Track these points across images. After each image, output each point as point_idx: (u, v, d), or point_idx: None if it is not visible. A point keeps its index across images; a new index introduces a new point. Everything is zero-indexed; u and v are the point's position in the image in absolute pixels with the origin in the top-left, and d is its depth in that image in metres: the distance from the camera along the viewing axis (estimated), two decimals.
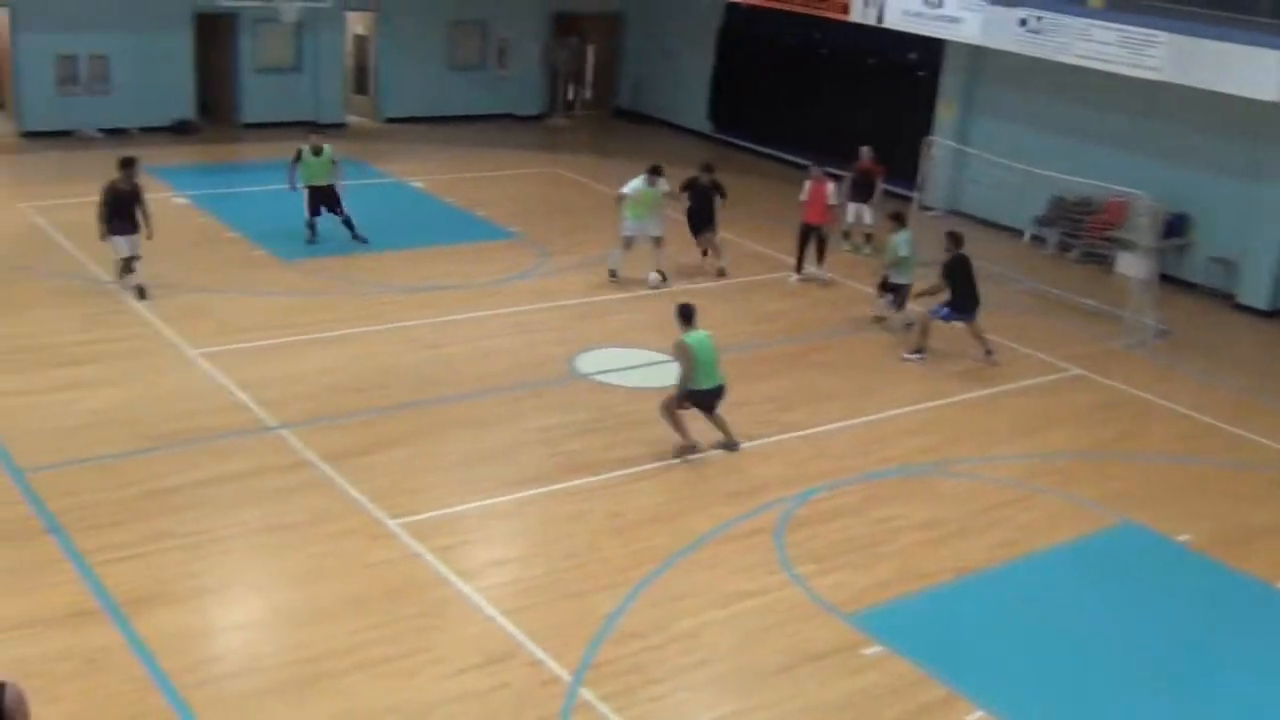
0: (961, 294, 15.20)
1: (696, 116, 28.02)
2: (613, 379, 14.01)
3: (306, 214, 17.82)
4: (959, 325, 15.41)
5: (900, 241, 15.83)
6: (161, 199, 19.99)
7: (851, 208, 19.59)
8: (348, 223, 17.98)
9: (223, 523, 10.46)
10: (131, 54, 24.00)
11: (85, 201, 18.99)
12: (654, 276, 17.30)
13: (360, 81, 27.86)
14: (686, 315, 12.25)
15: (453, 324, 15.34)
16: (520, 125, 27.98)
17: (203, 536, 10.22)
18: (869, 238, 19.56)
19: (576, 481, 11.62)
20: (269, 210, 19.59)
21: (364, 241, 17.90)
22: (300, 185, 17.80)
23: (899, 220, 16.06)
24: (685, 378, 12.04)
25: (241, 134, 25.36)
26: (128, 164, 15.11)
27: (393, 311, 15.50)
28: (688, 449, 12.16)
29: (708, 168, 18.43)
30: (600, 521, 10.96)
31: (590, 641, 9.19)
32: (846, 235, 19.78)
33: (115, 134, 23.87)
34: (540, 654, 9.00)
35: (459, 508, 11.04)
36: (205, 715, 8.10)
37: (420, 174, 22.60)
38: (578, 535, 10.71)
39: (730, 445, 12.44)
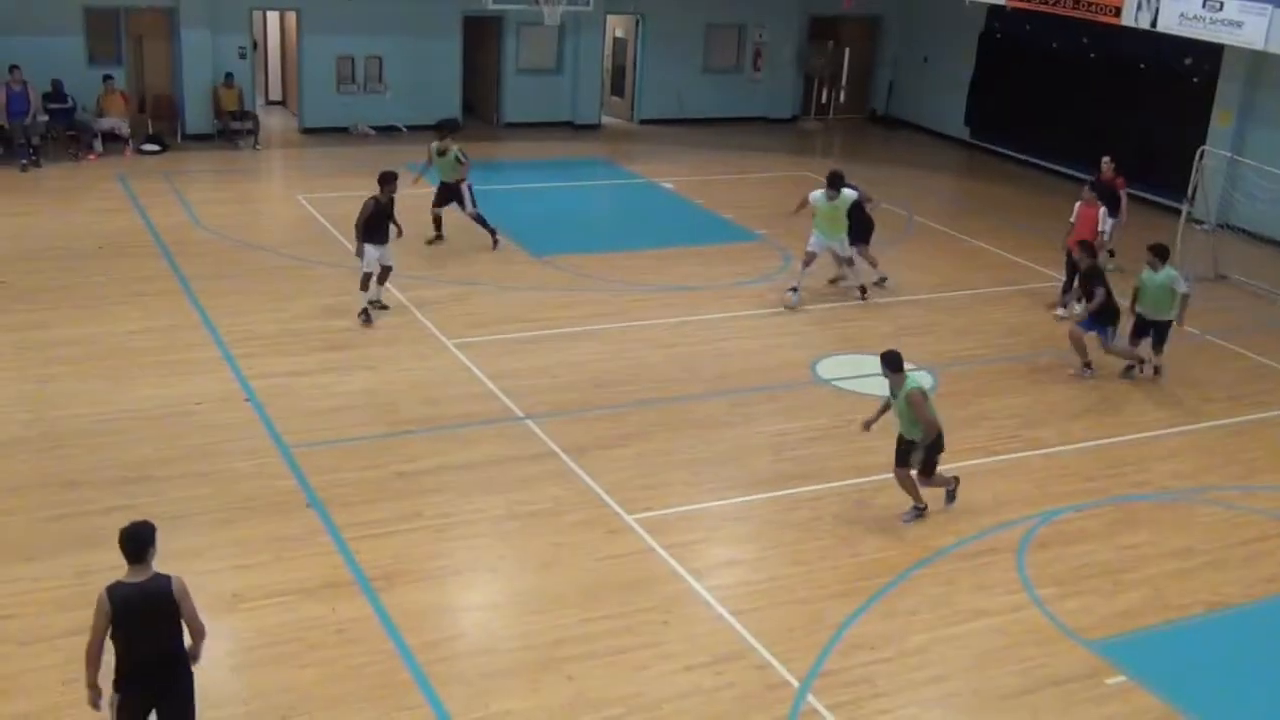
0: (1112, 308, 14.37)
1: (954, 122, 27.43)
2: (851, 386, 13.86)
3: (433, 208, 18.10)
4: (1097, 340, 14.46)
5: (1172, 278, 14.21)
6: (425, 195, 20.92)
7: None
8: (479, 220, 18.09)
9: (468, 507, 10.87)
10: (404, 55, 25.19)
11: (355, 195, 20.05)
12: (792, 296, 16.17)
13: (617, 83, 28.43)
14: (896, 363, 10.72)
15: (694, 324, 15.48)
16: (772, 128, 27.99)
17: (449, 519, 10.65)
18: (1112, 254, 18.67)
19: (811, 487, 11.55)
20: (525, 207, 20.25)
21: (493, 233, 17.93)
22: (416, 176, 18.10)
23: (1161, 254, 14.26)
24: (929, 429, 10.59)
25: (502, 133, 26.25)
26: (388, 179, 15.06)
27: (637, 309, 15.76)
28: (923, 508, 11.04)
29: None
30: (833, 529, 10.87)
31: (820, 649, 9.13)
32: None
33: (386, 131, 25.09)
34: (769, 657, 9.00)
35: (693, 506, 11.15)
36: (444, 690, 8.43)
37: (670, 175, 22.90)
38: (809, 541, 10.65)
39: (921, 508, 11.10)
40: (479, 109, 27.07)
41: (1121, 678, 8.99)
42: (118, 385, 12.77)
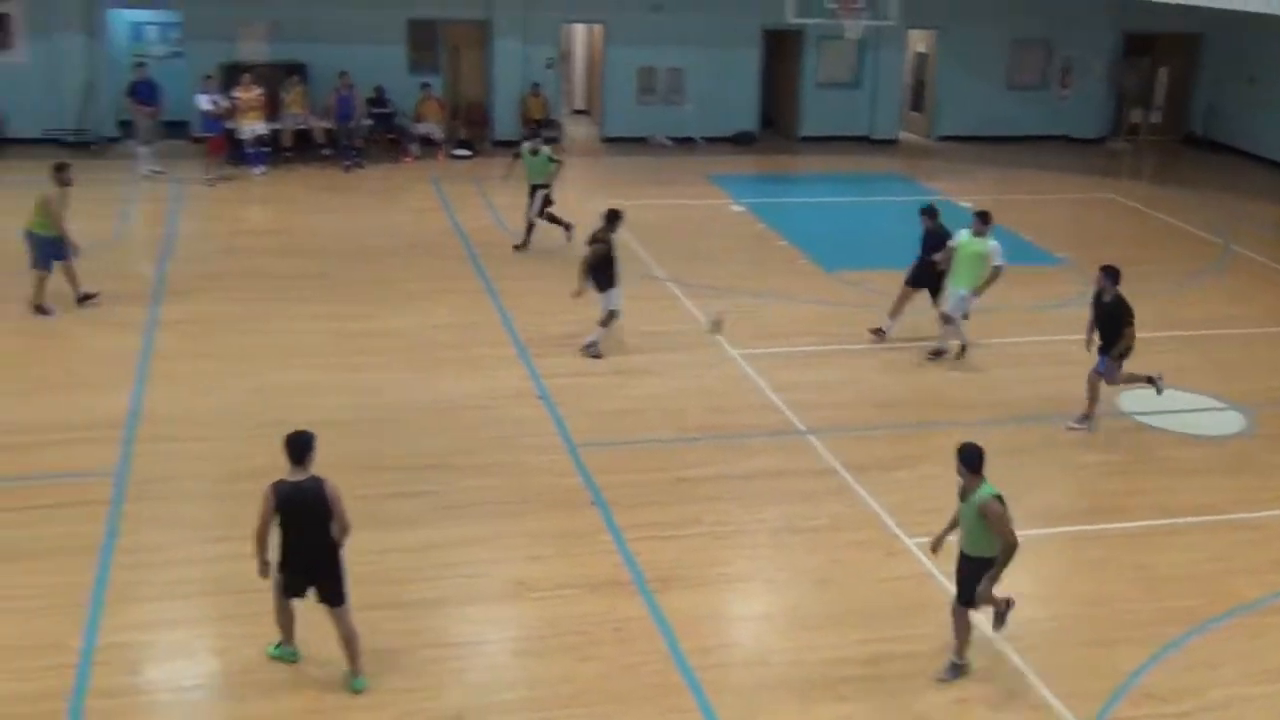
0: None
1: (1278, 147, 25.67)
2: (1156, 421, 13.15)
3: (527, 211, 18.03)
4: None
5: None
6: (719, 205, 21.19)
7: None
8: (551, 219, 18.01)
9: (747, 517, 10.91)
10: (704, 68, 25.58)
11: (650, 204, 20.51)
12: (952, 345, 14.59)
13: (916, 98, 27.98)
14: (975, 461, 8.59)
15: (986, 347, 15.03)
16: (1078, 148, 26.93)
17: (727, 527, 10.72)
18: None
19: (1106, 526, 11.02)
20: (819, 221, 20.20)
21: (567, 227, 17.89)
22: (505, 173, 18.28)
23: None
24: (1009, 547, 8.38)
25: (798, 147, 26.27)
26: (614, 217, 14.49)
27: (925, 328, 15.43)
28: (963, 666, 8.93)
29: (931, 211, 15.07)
30: (1128, 571, 10.32)
31: (1107, 696, 8.69)
32: None
33: (682, 142, 25.52)
34: (1050, 698, 8.63)
35: None
36: (716, 698, 8.47)
37: (968, 193, 22.30)
38: (1102, 582, 10.15)
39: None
40: (777, 122, 27.17)
41: None
42: (423, 377, 13.47)
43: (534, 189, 18.00)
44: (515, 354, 14.18)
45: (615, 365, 14.00)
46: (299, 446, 8.02)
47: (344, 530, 8.17)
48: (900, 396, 13.53)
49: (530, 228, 17.95)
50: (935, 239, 14.66)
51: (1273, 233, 21.02)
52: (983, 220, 14.33)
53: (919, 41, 27.52)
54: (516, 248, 17.99)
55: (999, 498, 8.41)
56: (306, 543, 8.10)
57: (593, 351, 14.17)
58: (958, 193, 22.36)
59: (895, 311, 14.83)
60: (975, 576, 8.53)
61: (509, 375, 13.61)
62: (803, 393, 13.44)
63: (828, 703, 8.51)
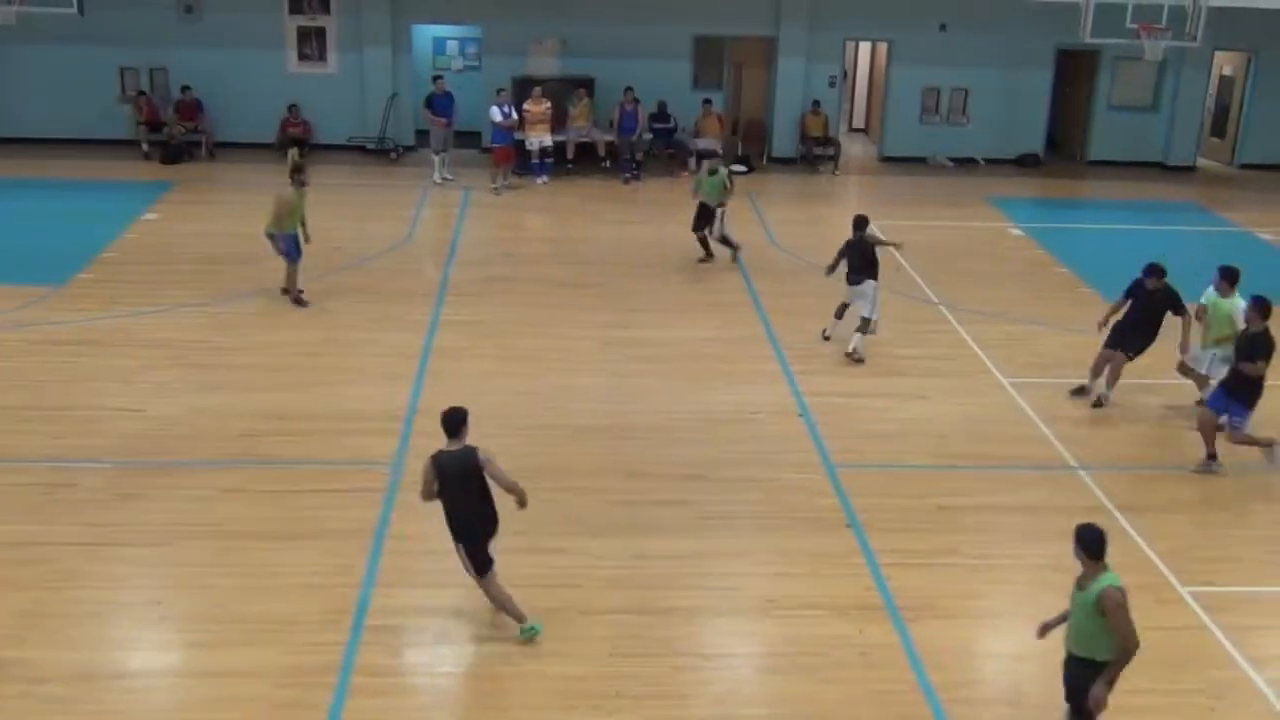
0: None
1: None
2: None
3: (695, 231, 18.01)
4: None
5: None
6: (997, 229, 20.63)
7: None
8: (708, 241, 17.95)
9: (1007, 551, 10.58)
10: (991, 87, 24.96)
11: (928, 225, 20.18)
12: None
13: (1218, 124, 26.47)
14: (1096, 545, 7.77)
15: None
16: None
17: (985, 560, 10.42)
18: None
19: None
20: (1104, 249, 19.38)
21: (734, 249, 17.92)
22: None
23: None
24: (1128, 645, 7.53)
25: (1085, 171, 25.28)
26: (861, 224, 14.92)
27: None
28: None
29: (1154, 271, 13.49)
30: None
31: None
32: None
33: (963, 163, 24.96)
34: None
35: (1263, 588, 10.16)
36: None
37: (1273, 225, 20.96)
38: None
39: None
40: (1063, 145, 26.24)
41: None
42: (688, 387, 13.66)
43: (703, 209, 17.95)
44: (779, 369, 14.20)
45: (880, 387, 13.83)
46: (455, 420, 8.80)
47: (512, 489, 8.77)
48: (1178, 435, 12.82)
49: (720, 241, 18.07)
50: (1167, 301, 13.33)
51: None
52: (1229, 281, 13.07)
53: (1225, 64, 26.02)
54: (701, 261, 18.13)
55: (1122, 589, 7.49)
56: (466, 508, 8.76)
57: (856, 357, 14.42)
58: (1257, 224, 21.05)
59: (1097, 373, 13.61)
60: (1085, 683, 7.60)
61: (772, 391, 13.64)
62: (1075, 425, 12.94)
63: None
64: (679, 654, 9.03)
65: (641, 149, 23.40)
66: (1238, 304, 12.75)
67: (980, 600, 9.91)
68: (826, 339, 15.01)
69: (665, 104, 23.80)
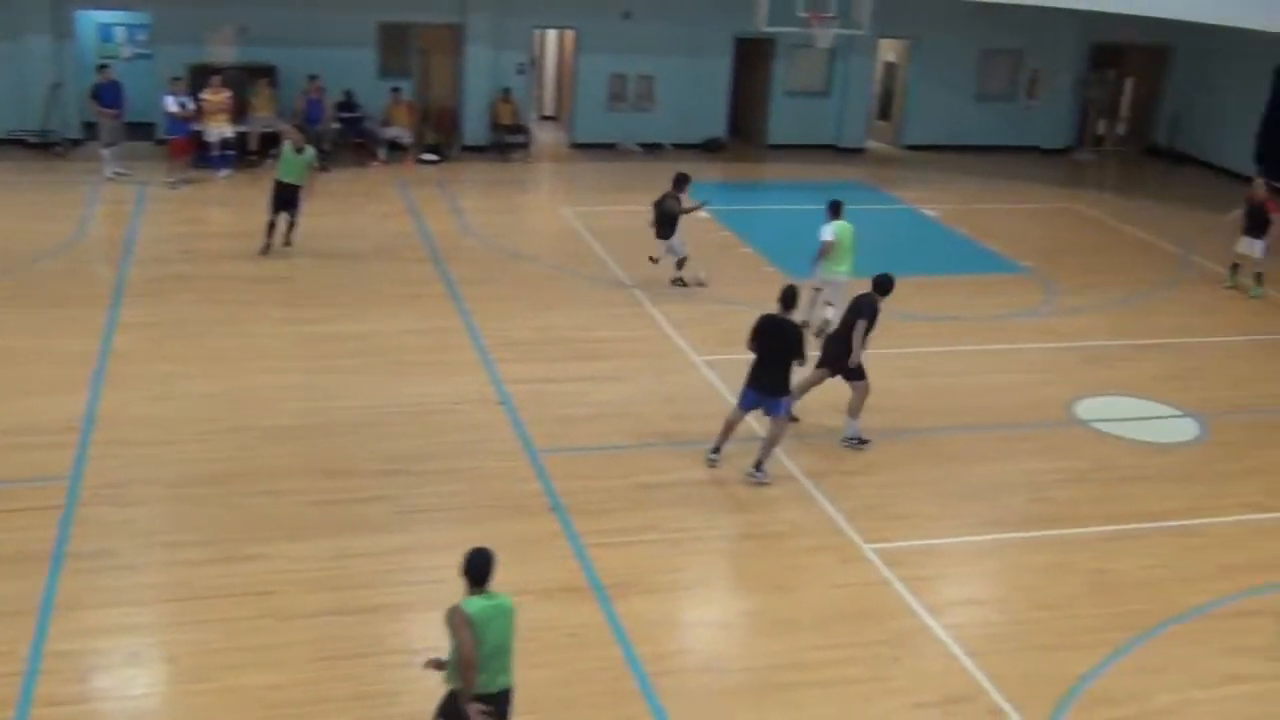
0: None
1: (1242, 158, 25.89)
2: (1113, 429, 13.27)
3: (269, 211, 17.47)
4: None
5: None
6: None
7: (1244, 241, 17.98)
8: (292, 228, 17.70)
9: (706, 524, 10.95)
10: (675, 75, 25.62)
11: (620, 209, 20.58)
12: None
13: (884, 107, 28.12)
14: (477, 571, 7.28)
15: (950, 355, 15.14)
16: (1043, 158, 27.10)
17: (686, 534, 10.74)
18: (1260, 277, 17.71)
19: (1059, 531, 11.12)
20: (785, 228, 20.26)
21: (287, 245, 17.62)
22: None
23: None
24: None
25: (765, 154, 26.34)
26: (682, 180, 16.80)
27: (891, 337, 15.45)
28: None
29: None
30: (1080, 577, 10.42)
31: (1058, 700, 8.77)
32: (1234, 269, 18.14)
33: (652, 149, 25.57)
34: (1002, 702, 8.71)
35: (934, 541, 10.90)
36: (670, 704, 8.50)
37: (934, 202, 22.47)
38: (1054, 587, 10.25)
39: None
40: (744, 129, 27.25)
41: None
42: (386, 381, 13.45)
43: (281, 186, 17.31)
44: (478, 359, 14.18)
45: (577, 371, 14.02)
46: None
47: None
48: (867, 404, 13.55)
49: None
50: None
51: (1232, 245, 21.19)
52: (834, 211, 15.22)
53: (888, 50, 27.65)
54: (262, 252, 17.46)
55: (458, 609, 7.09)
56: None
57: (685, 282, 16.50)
58: (921, 201, 22.51)
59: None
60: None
61: (471, 381, 13.61)
62: None
63: (783, 709, 8.55)
64: (387, 652, 8.91)
65: (329, 139, 22.82)
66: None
67: (682, 573, 10.22)
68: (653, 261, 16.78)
69: (352, 92, 23.30)
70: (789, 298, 11.71)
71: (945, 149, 26.83)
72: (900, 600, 9.93)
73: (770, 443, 11.69)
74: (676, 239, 16.96)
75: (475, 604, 7.06)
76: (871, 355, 14.75)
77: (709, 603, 10.02)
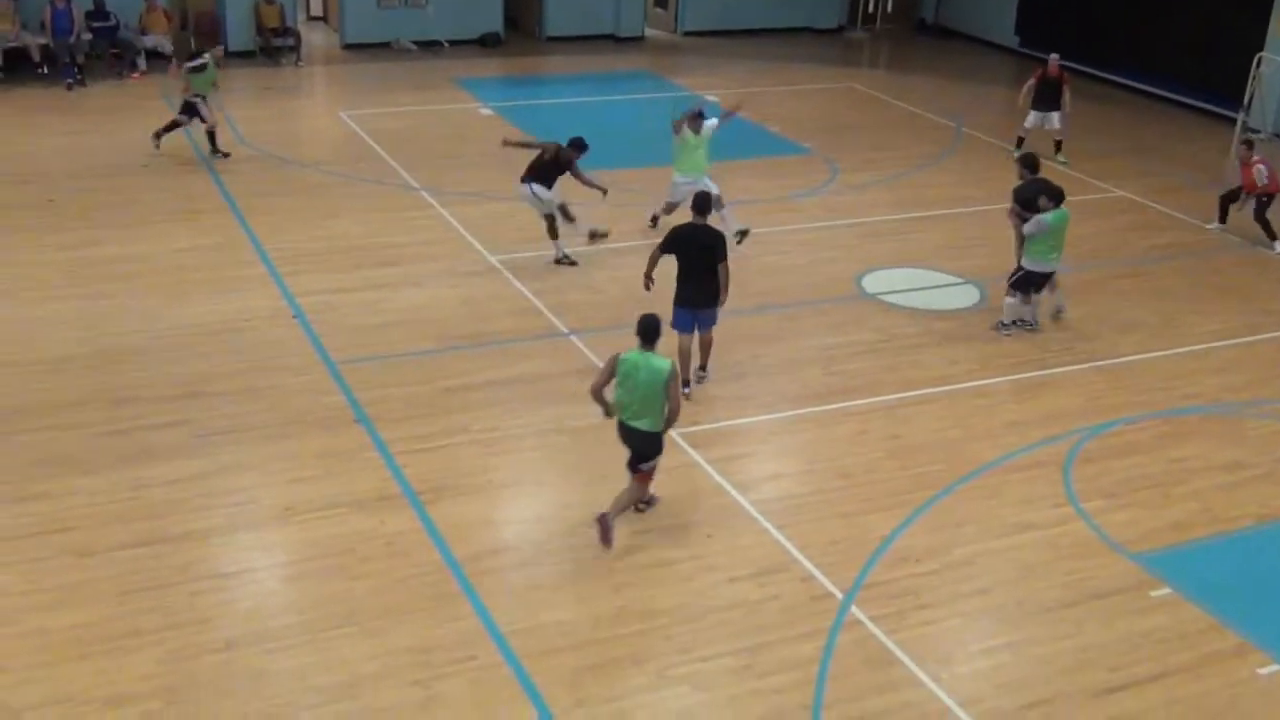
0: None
1: (1004, 31, 26.87)
2: (899, 300, 13.76)
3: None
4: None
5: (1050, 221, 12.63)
6: (468, 110, 20.86)
7: (1033, 115, 18.75)
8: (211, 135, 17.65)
9: (515, 422, 10.94)
10: None
11: (397, 111, 20.07)
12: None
13: None
14: (651, 332, 9.16)
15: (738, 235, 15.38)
16: (819, 39, 27.55)
17: (496, 434, 10.73)
18: (1059, 145, 18.70)
19: (856, 402, 11.53)
20: (569, 122, 20.12)
21: (225, 156, 17.57)
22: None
23: (1056, 197, 12.76)
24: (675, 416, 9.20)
25: (545, 47, 26.00)
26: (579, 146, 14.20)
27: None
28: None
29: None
30: (879, 443, 10.86)
31: (864, 562, 9.17)
32: (1019, 142, 18.68)
33: (428, 46, 24.93)
34: (813, 569, 9.05)
35: (739, 420, 11.16)
36: (492, 601, 8.54)
37: (715, 88, 22.62)
38: (855, 455, 10.66)
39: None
40: (521, 23, 26.81)
41: (1166, 590, 8.98)
42: (168, 303, 12.90)
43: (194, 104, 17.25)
44: (266, 273, 13.72)
45: (372, 279, 13.72)
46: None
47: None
48: (659, 292, 13.69)
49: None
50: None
51: (1002, 116, 22.04)
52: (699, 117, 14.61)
53: None
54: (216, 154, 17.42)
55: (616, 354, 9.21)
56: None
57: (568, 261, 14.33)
58: (704, 88, 22.62)
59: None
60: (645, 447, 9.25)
61: (261, 296, 13.17)
62: (564, 294, 13.49)
63: (603, 594, 8.69)
64: (197, 579, 8.66)
65: (82, 51, 21.45)
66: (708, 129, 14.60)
67: (495, 473, 10.21)
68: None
69: (103, 0, 21.90)
70: (703, 204, 11.30)
71: (723, 34, 26.99)
72: (710, 480, 10.16)
73: (705, 348, 11.57)
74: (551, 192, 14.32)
75: (630, 355, 9.09)
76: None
77: (524, 499, 10.06)
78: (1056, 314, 13.43)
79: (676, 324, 11.27)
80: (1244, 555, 9.61)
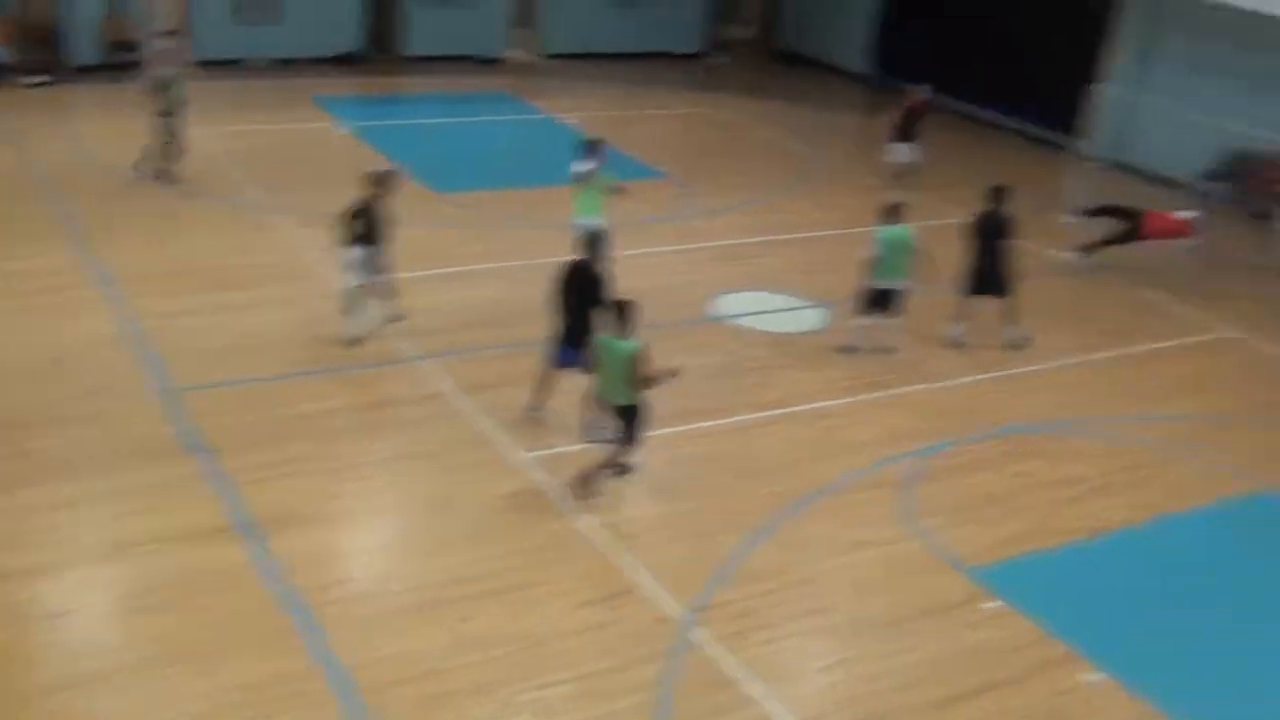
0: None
1: (858, 59, 27.48)
2: (750, 322, 13.96)
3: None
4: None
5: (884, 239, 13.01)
6: (323, 130, 20.58)
7: (899, 149, 18.79)
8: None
9: (359, 449, 10.81)
10: None
11: (250, 130, 19.72)
12: None
13: (524, 15, 28.03)
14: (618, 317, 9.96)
15: None
16: (678, 63, 27.82)
17: (339, 461, 10.58)
18: (908, 177, 18.85)
19: (706, 424, 11.65)
20: (426, 142, 20.01)
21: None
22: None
23: (893, 213, 13.11)
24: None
25: (406, 67, 25.78)
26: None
27: (535, 247, 15.65)
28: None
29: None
30: (728, 464, 10.99)
31: (707, 583, 9.26)
32: (897, 176, 18.84)
33: (285, 64, 24.54)
34: (661, 591, 9.11)
35: (586, 443, 11.17)
36: (335, 634, 8.42)
37: (574, 110, 22.68)
38: (704, 477, 10.76)
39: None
40: (383, 40, 26.55)
41: (998, 603, 9.25)
42: (2, 327, 12.45)
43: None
44: (105, 295, 13.33)
45: (216, 302, 13.43)
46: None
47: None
48: (516, 315, 13.66)
49: None
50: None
51: (853, 141, 22.57)
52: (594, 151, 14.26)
53: None
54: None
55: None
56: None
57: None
58: (564, 110, 22.68)
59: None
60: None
61: (100, 320, 12.78)
62: (415, 318, 13.33)
63: (448, 624, 8.62)
64: (24, 619, 8.37)
65: None
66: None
67: (338, 502, 10.07)
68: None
69: None
70: (594, 242, 11.13)
71: (586, 57, 27.09)
72: (558, 505, 10.16)
73: None
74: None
75: (603, 338, 10.02)
76: (518, 265, 14.92)
77: (368, 528, 9.94)
78: (1015, 344, 13.70)
79: (561, 359, 11.18)
80: (1073, 568, 9.95)
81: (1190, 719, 8.26)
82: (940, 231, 15.11)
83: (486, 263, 15.03)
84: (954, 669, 8.57)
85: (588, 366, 10.77)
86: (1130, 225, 15.86)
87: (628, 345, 9.88)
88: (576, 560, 9.49)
